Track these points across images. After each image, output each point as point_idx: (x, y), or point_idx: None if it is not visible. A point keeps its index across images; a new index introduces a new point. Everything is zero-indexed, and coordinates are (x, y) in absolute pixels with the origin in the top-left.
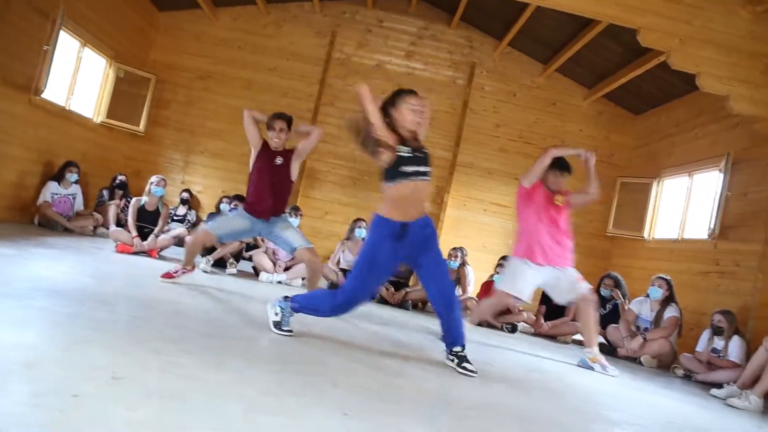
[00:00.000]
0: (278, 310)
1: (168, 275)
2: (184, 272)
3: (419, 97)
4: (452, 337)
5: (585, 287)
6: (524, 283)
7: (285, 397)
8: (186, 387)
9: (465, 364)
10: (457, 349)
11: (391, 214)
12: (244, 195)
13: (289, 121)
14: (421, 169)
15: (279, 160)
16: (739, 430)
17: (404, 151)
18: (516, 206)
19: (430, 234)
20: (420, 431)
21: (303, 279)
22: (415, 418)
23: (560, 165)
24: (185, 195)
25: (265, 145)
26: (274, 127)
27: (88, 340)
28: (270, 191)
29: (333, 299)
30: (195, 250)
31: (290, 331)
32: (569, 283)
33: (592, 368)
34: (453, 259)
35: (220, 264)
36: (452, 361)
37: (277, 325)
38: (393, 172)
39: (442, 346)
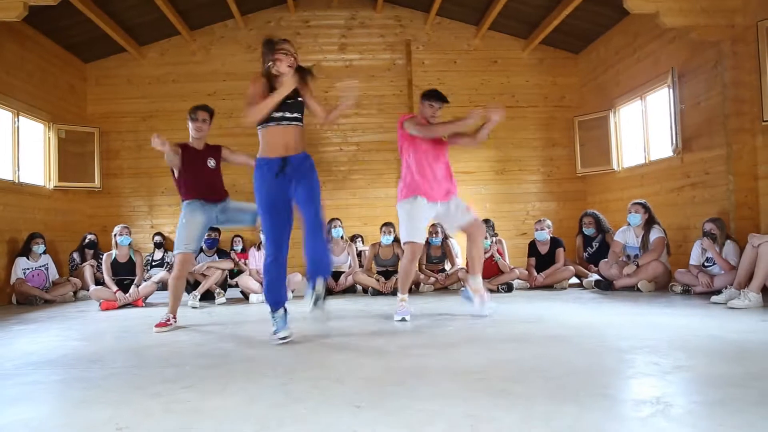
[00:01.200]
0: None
1: (162, 324)
2: (176, 320)
3: (288, 42)
4: (314, 266)
5: (474, 214)
6: (420, 223)
7: (294, 405)
8: (191, 420)
9: (318, 303)
10: (319, 286)
11: (268, 153)
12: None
13: (211, 113)
14: (287, 114)
15: (212, 162)
16: (744, 328)
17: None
18: (399, 146)
19: (308, 167)
20: (432, 405)
21: (292, 291)
22: (427, 394)
23: (437, 96)
24: (158, 239)
25: (185, 149)
26: (197, 117)
27: (86, 400)
28: (210, 186)
29: (265, 262)
30: (180, 292)
31: (284, 337)
32: (460, 211)
33: (471, 300)
34: (434, 236)
35: (208, 297)
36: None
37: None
38: (264, 118)
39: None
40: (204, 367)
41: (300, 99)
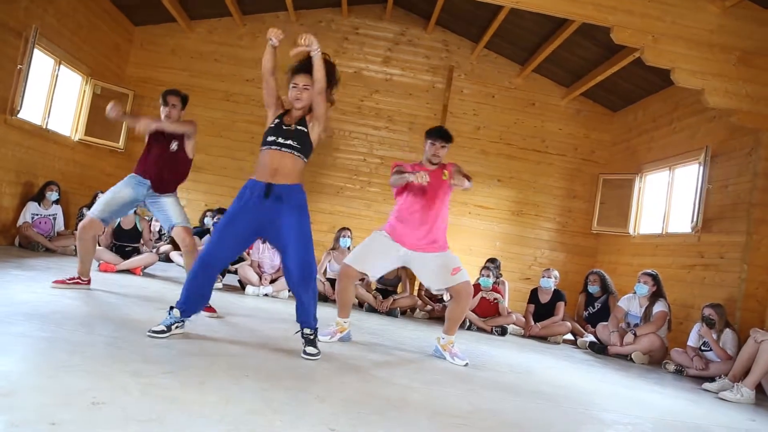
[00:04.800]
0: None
1: (60, 281)
2: (77, 282)
3: (304, 76)
4: (302, 318)
5: (463, 278)
6: (373, 255)
7: (271, 415)
8: (166, 409)
9: (308, 348)
10: (308, 331)
11: (257, 175)
12: (226, 208)
13: (183, 98)
14: (279, 140)
15: (174, 146)
16: (732, 423)
17: (273, 123)
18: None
19: (297, 201)
20: None
21: (289, 291)
22: (403, 429)
23: (441, 134)
24: None
25: (150, 135)
26: (168, 101)
27: (68, 364)
28: (161, 172)
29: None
30: (86, 251)
31: (157, 331)
32: (444, 271)
33: (443, 357)
34: None
35: None
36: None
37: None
38: (263, 139)
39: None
40: (187, 354)
41: (301, 128)
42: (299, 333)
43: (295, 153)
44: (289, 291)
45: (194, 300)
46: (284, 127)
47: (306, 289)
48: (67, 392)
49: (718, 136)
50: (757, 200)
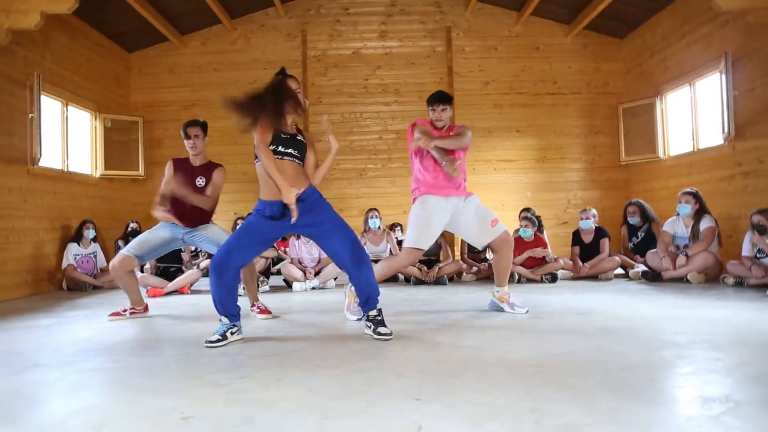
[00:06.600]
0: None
1: (116, 313)
2: (133, 312)
3: (295, 81)
4: (366, 297)
5: (501, 229)
6: (431, 227)
7: (354, 398)
8: (253, 411)
9: (380, 329)
10: (373, 313)
11: (266, 195)
12: None
13: (203, 126)
14: (292, 151)
15: (201, 181)
16: None
17: (281, 134)
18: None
19: (314, 201)
20: (493, 399)
21: (335, 279)
22: (486, 388)
23: (437, 97)
24: None
25: (176, 163)
26: (188, 134)
27: (147, 388)
28: (192, 208)
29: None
30: (127, 284)
31: (213, 341)
32: (484, 224)
33: (502, 309)
34: None
35: None
36: (369, 327)
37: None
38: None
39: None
40: (257, 356)
41: (300, 138)
42: (365, 318)
43: (302, 164)
44: (335, 278)
45: (227, 301)
46: (297, 138)
47: (361, 264)
48: (154, 413)
49: (736, 40)
50: None
